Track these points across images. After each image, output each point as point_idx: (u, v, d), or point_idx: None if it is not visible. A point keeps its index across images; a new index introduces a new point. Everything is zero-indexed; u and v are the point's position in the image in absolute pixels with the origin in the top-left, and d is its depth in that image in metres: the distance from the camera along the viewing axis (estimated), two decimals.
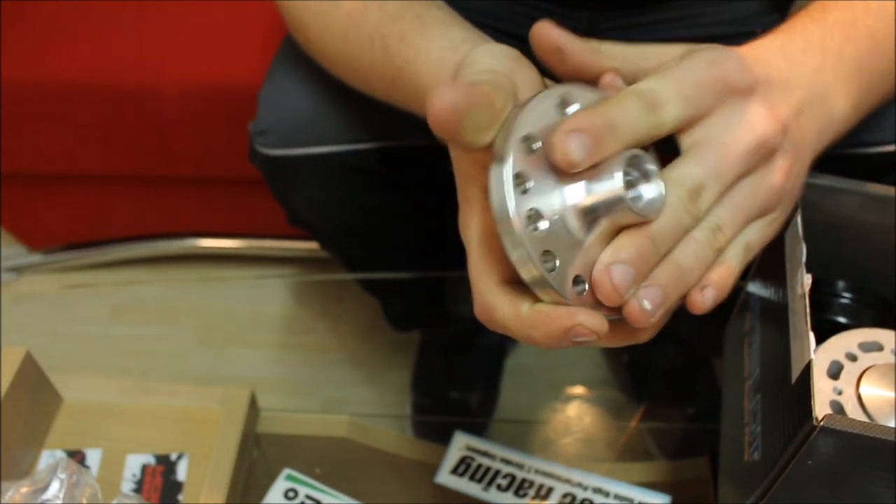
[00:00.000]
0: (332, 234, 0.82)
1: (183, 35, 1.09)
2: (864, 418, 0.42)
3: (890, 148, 0.62)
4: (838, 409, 0.43)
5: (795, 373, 0.43)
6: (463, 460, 0.64)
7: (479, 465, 0.63)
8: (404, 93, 0.50)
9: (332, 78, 0.60)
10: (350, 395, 1.14)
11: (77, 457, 0.65)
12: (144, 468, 0.64)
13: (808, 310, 0.42)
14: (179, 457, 0.65)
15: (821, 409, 0.39)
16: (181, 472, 0.64)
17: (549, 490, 0.62)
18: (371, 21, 0.51)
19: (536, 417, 0.80)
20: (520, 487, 0.62)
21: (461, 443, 0.65)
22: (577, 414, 0.82)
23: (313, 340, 1.22)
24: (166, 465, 0.64)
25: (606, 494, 0.61)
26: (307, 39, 0.60)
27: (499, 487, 0.62)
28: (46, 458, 0.64)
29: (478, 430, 0.76)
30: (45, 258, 1.33)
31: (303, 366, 1.18)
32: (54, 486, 0.52)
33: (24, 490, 0.52)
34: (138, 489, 0.63)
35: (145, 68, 1.05)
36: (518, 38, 0.78)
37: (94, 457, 0.65)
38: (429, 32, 0.48)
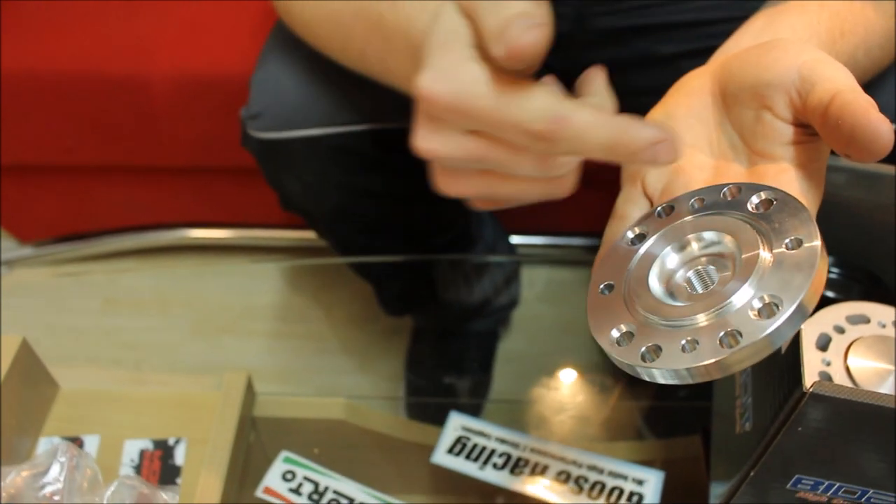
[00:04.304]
0: (325, 218, 0.82)
1: (173, 24, 1.08)
2: None
3: None
4: (827, 379, 0.44)
5: (785, 344, 0.43)
6: (458, 440, 0.65)
7: (475, 445, 0.64)
8: (390, 42, 0.48)
9: (324, 60, 0.60)
10: (343, 383, 1.14)
11: (75, 443, 0.65)
12: (142, 453, 0.65)
13: None
14: (177, 441, 0.65)
15: (810, 378, 0.40)
16: (179, 457, 0.64)
17: (545, 468, 0.62)
18: None
19: (530, 397, 0.81)
20: (515, 466, 0.63)
21: (456, 423, 0.66)
22: (571, 393, 0.83)
23: (306, 329, 1.22)
24: (164, 449, 0.65)
25: (601, 471, 0.62)
26: (288, 10, 0.60)
27: (494, 466, 0.63)
28: (44, 446, 0.65)
29: (472, 411, 0.77)
30: (36, 251, 1.33)
31: (296, 354, 1.19)
32: (55, 470, 0.52)
33: (24, 474, 0.52)
34: (137, 474, 0.63)
35: (135, 58, 1.05)
36: None
37: (91, 443, 0.65)
38: None
